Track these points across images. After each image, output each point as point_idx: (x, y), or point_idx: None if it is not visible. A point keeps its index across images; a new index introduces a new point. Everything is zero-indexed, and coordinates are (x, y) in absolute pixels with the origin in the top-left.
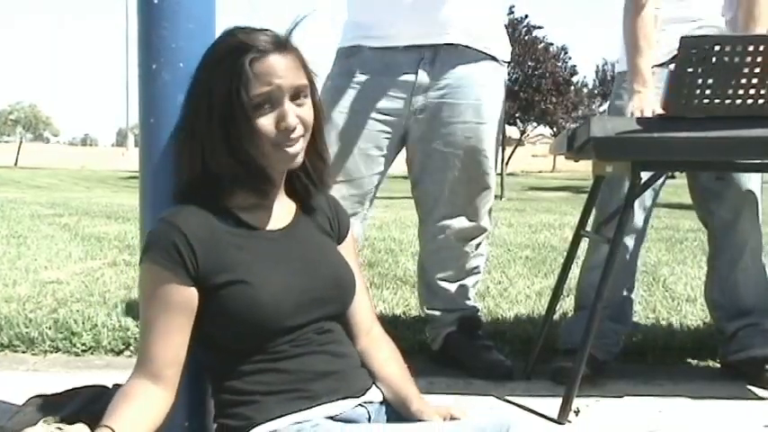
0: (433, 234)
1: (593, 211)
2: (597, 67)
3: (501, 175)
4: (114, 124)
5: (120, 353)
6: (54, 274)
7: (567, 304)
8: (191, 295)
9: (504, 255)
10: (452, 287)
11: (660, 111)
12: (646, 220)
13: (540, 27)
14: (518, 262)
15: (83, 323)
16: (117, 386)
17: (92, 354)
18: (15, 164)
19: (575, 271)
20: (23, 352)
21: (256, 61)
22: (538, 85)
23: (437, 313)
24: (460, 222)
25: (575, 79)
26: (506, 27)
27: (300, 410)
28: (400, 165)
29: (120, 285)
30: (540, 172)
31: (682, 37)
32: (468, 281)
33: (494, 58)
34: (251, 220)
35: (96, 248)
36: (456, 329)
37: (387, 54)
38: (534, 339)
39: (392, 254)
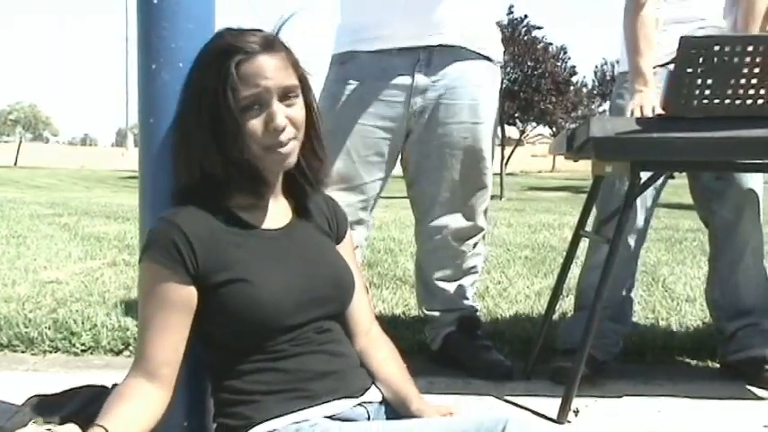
0: (430, 234)
1: (593, 211)
2: (596, 67)
3: (500, 175)
4: (114, 124)
5: (119, 353)
6: (53, 273)
7: (566, 304)
8: (189, 294)
9: (504, 255)
10: (450, 287)
11: (661, 110)
12: (646, 221)
13: (539, 27)
14: (517, 262)
15: (82, 323)
16: (116, 386)
17: (91, 354)
18: (15, 164)
19: (574, 271)
20: (23, 352)
21: (243, 63)
22: (537, 85)
23: (436, 314)
24: (457, 222)
25: (574, 79)
26: (506, 27)
27: (299, 410)
28: (399, 165)
29: (120, 285)
30: (539, 172)
31: (681, 37)
32: (466, 280)
33: (488, 59)
34: (250, 219)
35: (96, 248)
36: (455, 329)
37: (382, 58)
38: (534, 339)
39: (391, 254)
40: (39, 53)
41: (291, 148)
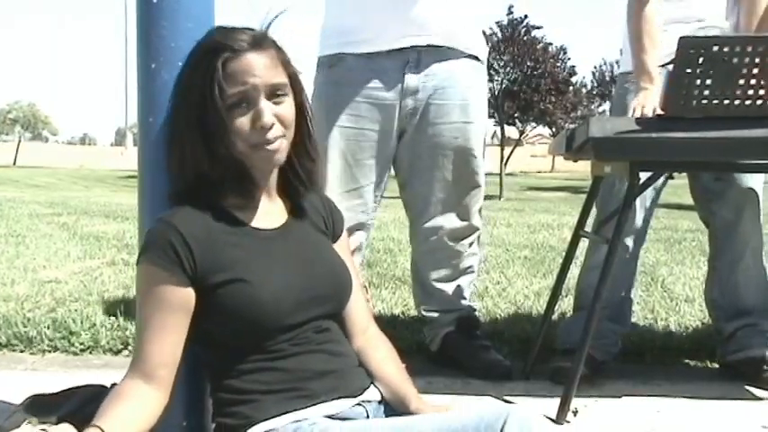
0: (426, 235)
1: (593, 212)
2: (595, 67)
3: (500, 175)
4: (113, 123)
5: (118, 352)
6: (52, 273)
7: (565, 304)
8: (187, 295)
9: (503, 255)
10: (448, 288)
11: (660, 110)
12: (646, 221)
13: (539, 27)
14: (517, 262)
15: (81, 322)
16: (115, 386)
17: (90, 353)
18: (14, 163)
19: (573, 271)
20: (22, 351)
21: (230, 61)
22: (537, 85)
23: (434, 314)
24: (452, 222)
25: (574, 79)
26: (505, 27)
27: (299, 409)
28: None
29: (119, 285)
30: (538, 172)
31: (680, 37)
32: (463, 280)
33: (476, 58)
34: (247, 219)
35: (95, 248)
36: (454, 330)
37: (371, 60)
38: (533, 339)
39: (391, 254)
40: (38, 53)
41: (279, 146)
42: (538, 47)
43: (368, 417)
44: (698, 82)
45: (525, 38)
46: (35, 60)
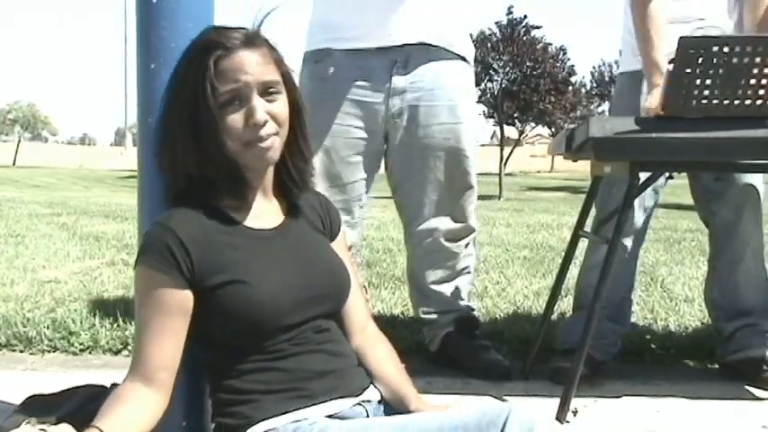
0: (421, 238)
1: (592, 212)
2: (594, 68)
3: (499, 175)
4: (113, 124)
5: (118, 352)
6: (52, 273)
7: (565, 304)
8: (185, 298)
9: (503, 255)
10: (446, 289)
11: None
12: (645, 221)
13: (538, 27)
14: (516, 262)
15: (81, 322)
16: (115, 386)
17: (90, 353)
18: (14, 163)
19: (573, 271)
20: (21, 351)
21: (222, 59)
22: (536, 85)
23: (433, 316)
24: (447, 224)
25: (573, 79)
26: (505, 27)
27: (298, 409)
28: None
29: (119, 285)
30: (538, 172)
31: (680, 37)
32: (461, 281)
33: (463, 59)
34: (244, 219)
35: (94, 248)
36: (453, 330)
37: (359, 57)
38: (532, 339)
39: (390, 254)
40: (38, 53)
41: (272, 144)
42: (537, 47)
43: (367, 416)
44: (698, 82)
45: (525, 38)
46: (35, 60)
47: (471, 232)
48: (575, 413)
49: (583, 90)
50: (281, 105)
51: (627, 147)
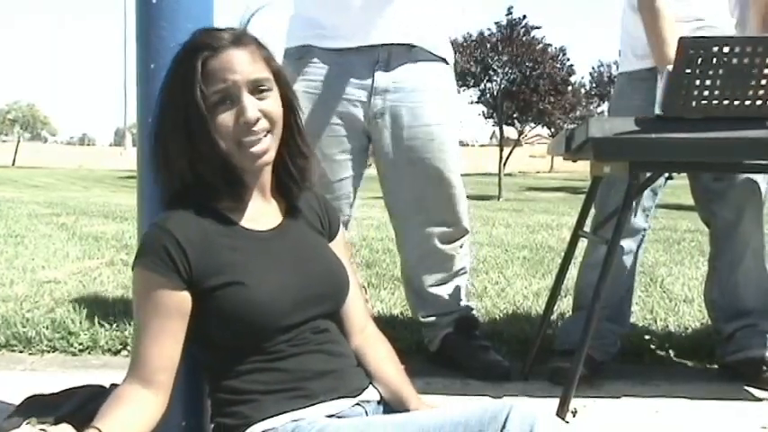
0: (415, 242)
1: (592, 212)
2: (593, 68)
3: (498, 175)
4: (112, 124)
5: (117, 352)
6: (51, 273)
7: (564, 305)
8: (183, 300)
9: (502, 255)
10: (444, 291)
11: None
12: (645, 222)
13: (538, 27)
14: (516, 262)
15: (80, 323)
16: (114, 386)
17: (89, 353)
18: (13, 163)
19: (572, 271)
20: (21, 351)
21: (210, 59)
22: (536, 85)
23: (432, 319)
24: (440, 226)
25: (572, 80)
26: (504, 27)
27: (298, 409)
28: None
29: (118, 285)
30: (537, 172)
31: (680, 38)
32: (458, 282)
33: (444, 60)
34: (241, 220)
35: (94, 248)
36: (453, 331)
37: (340, 55)
38: (532, 340)
39: (390, 254)
40: (38, 53)
41: (265, 142)
42: (537, 47)
43: (367, 416)
44: (697, 82)
45: (524, 38)
46: (35, 60)
47: (465, 233)
48: (574, 413)
49: (582, 90)
50: (272, 103)
51: (626, 147)
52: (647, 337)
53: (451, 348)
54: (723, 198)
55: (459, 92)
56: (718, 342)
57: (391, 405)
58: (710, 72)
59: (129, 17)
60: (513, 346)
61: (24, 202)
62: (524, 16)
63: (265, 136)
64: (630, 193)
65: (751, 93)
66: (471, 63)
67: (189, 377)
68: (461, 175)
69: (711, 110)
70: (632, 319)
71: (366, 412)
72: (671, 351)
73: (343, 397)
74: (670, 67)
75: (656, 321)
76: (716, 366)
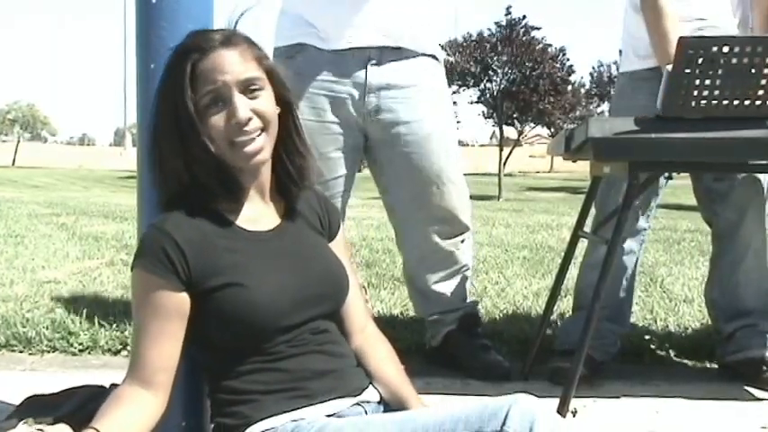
0: (416, 241)
1: (592, 212)
2: (593, 68)
3: (498, 175)
4: (112, 124)
5: (117, 353)
6: (51, 273)
7: (564, 305)
8: (182, 301)
9: (502, 255)
10: (447, 289)
11: None
12: (645, 222)
13: (537, 28)
14: (515, 262)
15: (80, 323)
16: (114, 386)
17: (89, 353)
18: (13, 163)
19: (572, 271)
20: (21, 351)
21: (200, 61)
22: (535, 85)
23: (436, 317)
24: (440, 224)
25: (572, 79)
26: (504, 27)
27: (297, 409)
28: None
29: (118, 285)
30: (537, 172)
31: (680, 38)
32: (461, 278)
33: (434, 57)
34: (240, 221)
35: (94, 248)
36: (456, 328)
37: (333, 54)
38: (531, 340)
39: (390, 254)
40: (38, 53)
41: (261, 143)
42: (537, 47)
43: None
44: (697, 82)
45: (524, 38)
46: (35, 60)
47: (465, 230)
48: (574, 414)
49: (582, 90)
50: (264, 102)
51: (626, 147)
52: (647, 337)
53: (453, 346)
54: (725, 198)
55: (459, 92)
56: (718, 342)
57: (391, 405)
58: (710, 72)
59: (129, 17)
60: (513, 346)
61: (24, 202)
62: (524, 16)
63: (259, 135)
64: (630, 193)
65: (751, 93)
66: (471, 63)
67: (189, 377)
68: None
69: (711, 110)
70: (632, 319)
71: (366, 412)
72: (671, 351)
73: (342, 397)
74: (670, 67)
75: (656, 321)
76: (716, 366)
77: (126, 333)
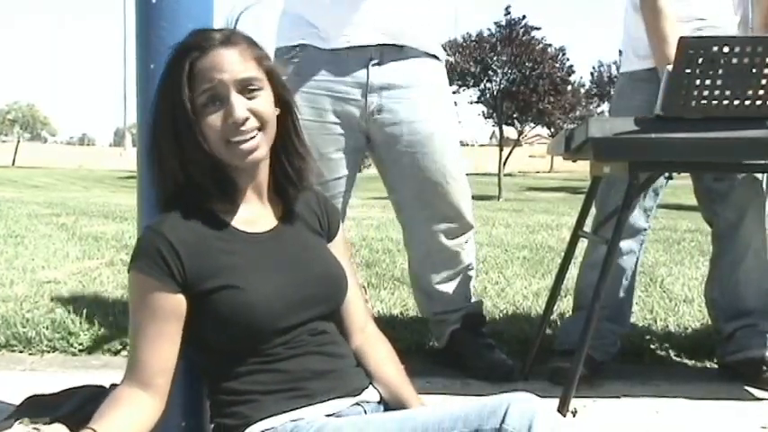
0: (421, 239)
1: (592, 212)
2: (593, 68)
3: (498, 175)
4: (112, 124)
5: (117, 353)
6: (51, 273)
7: (564, 305)
8: (178, 303)
9: (502, 255)
10: (451, 288)
11: None
12: (645, 222)
13: (537, 28)
14: (515, 262)
15: (80, 323)
16: (114, 386)
17: (89, 354)
18: (13, 163)
19: (572, 271)
20: (21, 352)
21: (199, 59)
22: (535, 85)
23: (441, 316)
24: (445, 223)
25: (572, 79)
26: (503, 27)
27: (297, 408)
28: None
29: (118, 285)
30: (537, 172)
31: (680, 38)
32: (465, 278)
33: (435, 57)
34: (237, 223)
35: (94, 248)
36: (460, 327)
37: (333, 54)
38: (531, 340)
39: (390, 254)
40: (37, 53)
41: (258, 142)
42: (537, 47)
43: None
44: (697, 82)
45: (524, 38)
46: (35, 60)
47: (469, 228)
48: (574, 413)
49: (582, 90)
50: (262, 102)
51: (626, 147)
52: (647, 337)
53: (459, 345)
54: (725, 198)
55: (459, 92)
56: (718, 342)
57: (391, 405)
58: (710, 72)
59: (129, 17)
60: (512, 346)
61: (24, 202)
62: (524, 16)
63: (255, 135)
64: (630, 193)
65: (751, 93)
66: (471, 63)
67: (188, 377)
68: None
69: (711, 110)
70: (632, 319)
71: (365, 412)
72: (671, 351)
73: (342, 397)
74: (670, 67)
75: (656, 321)
76: (716, 366)
77: (126, 333)
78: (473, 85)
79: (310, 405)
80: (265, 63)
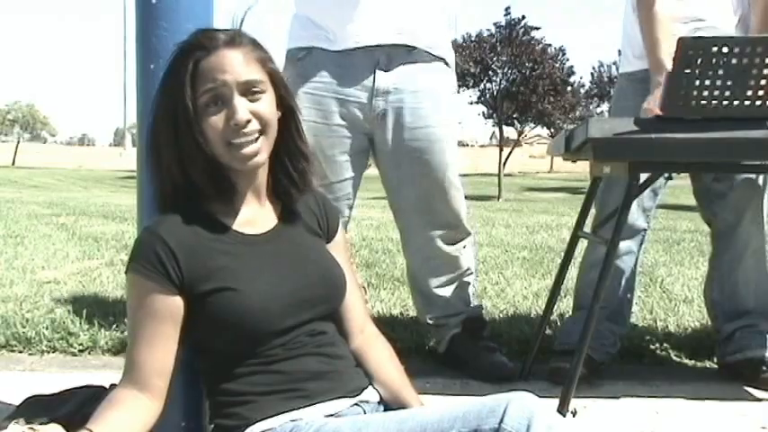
0: (419, 244)
1: (592, 212)
2: (593, 68)
3: (498, 175)
4: (112, 124)
5: (117, 353)
6: (51, 273)
7: (564, 305)
8: (175, 304)
9: (502, 255)
10: (450, 292)
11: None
12: (645, 222)
13: (537, 28)
14: (515, 263)
15: (80, 323)
16: (114, 386)
17: (89, 354)
18: (13, 163)
19: (572, 272)
20: (20, 352)
21: (201, 60)
22: (535, 86)
23: (440, 321)
24: (443, 228)
25: (572, 80)
26: (503, 28)
27: (296, 409)
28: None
29: (118, 285)
30: (537, 173)
31: (679, 38)
32: (464, 283)
33: (444, 61)
34: (235, 224)
35: (93, 248)
36: (460, 331)
37: (341, 56)
38: (531, 340)
39: (389, 254)
40: (37, 53)
41: (259, 146)
42: (536, 48)
43: None
44: (697, 83)
45: (524, 38)
46: (34, 60)
47: (467, 235)
48: (574, 414)
49: (582, 91)
50: (265, 104)
51: (626, 147)
52: (647, 337)
53: (459, 349)
54: (724, 199)
55: (458, 92)
56: (718, 342)
57: (391, 406)
58: (710, 72)
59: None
60: (512, 346)
61: (24, 202)
62: (523, 17)
63: (257, 138)
64: (630, 194)
65: (751, 93)
66: (471, 63)
67: (188, 378)
68: (460, 175)
69: (711, 110)
70: (632, 320)
71: (364, 412)
72: (671, 351)
73: (341, 397)
74: (660, 78)
75: (656, 321)
76: (716, 366)
77: (126, 334)
78: (473, 86)
79: (309, 405)
80: (269, 65)
